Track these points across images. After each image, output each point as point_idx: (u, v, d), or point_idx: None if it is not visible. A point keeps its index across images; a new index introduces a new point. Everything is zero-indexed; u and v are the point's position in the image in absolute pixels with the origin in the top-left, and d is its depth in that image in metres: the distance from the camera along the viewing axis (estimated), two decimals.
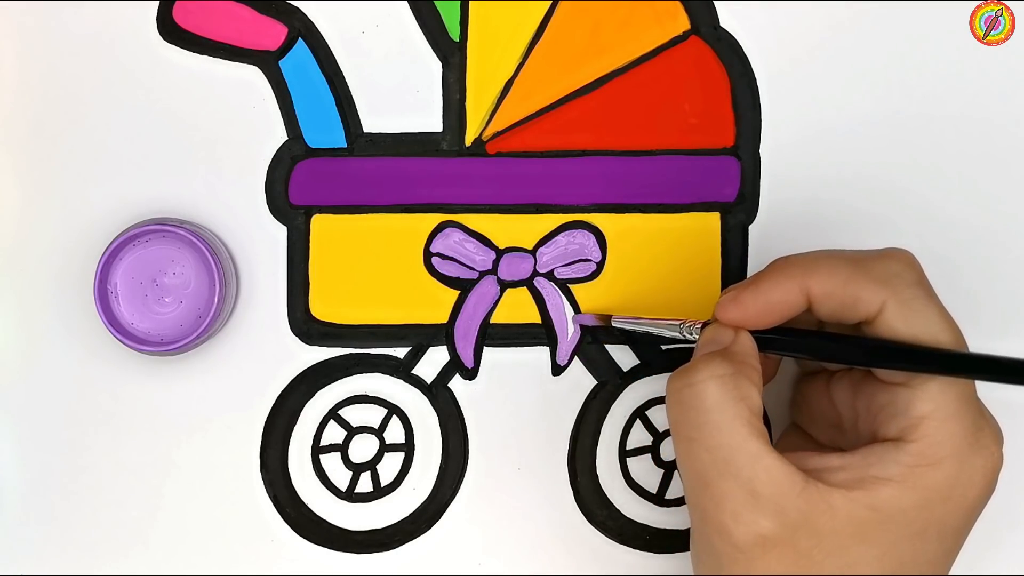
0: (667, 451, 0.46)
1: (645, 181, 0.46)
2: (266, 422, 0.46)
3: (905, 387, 0.36)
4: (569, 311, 0.46)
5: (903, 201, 0.46)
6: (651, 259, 0.46)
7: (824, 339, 0.38)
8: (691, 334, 0.39)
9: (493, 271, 0.46)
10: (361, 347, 0.46)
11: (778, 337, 0.37)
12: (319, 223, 0.46)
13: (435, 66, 0.46)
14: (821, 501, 0.35)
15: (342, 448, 0.46)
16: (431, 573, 0.46)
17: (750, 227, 0.46)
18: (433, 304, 0.46)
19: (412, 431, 0.46)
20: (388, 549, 0.46)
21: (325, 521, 0.46)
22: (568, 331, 0.46)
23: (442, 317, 0.46)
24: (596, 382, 0.46)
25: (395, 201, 0.46)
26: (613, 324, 0.43)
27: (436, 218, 0.46)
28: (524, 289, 0.46)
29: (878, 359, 0.36)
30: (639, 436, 0.46)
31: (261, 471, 0.46)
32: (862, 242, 0.46)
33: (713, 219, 0.46)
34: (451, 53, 0.46)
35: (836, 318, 0.37)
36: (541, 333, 0.46)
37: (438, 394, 0.46)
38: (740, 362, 0.36)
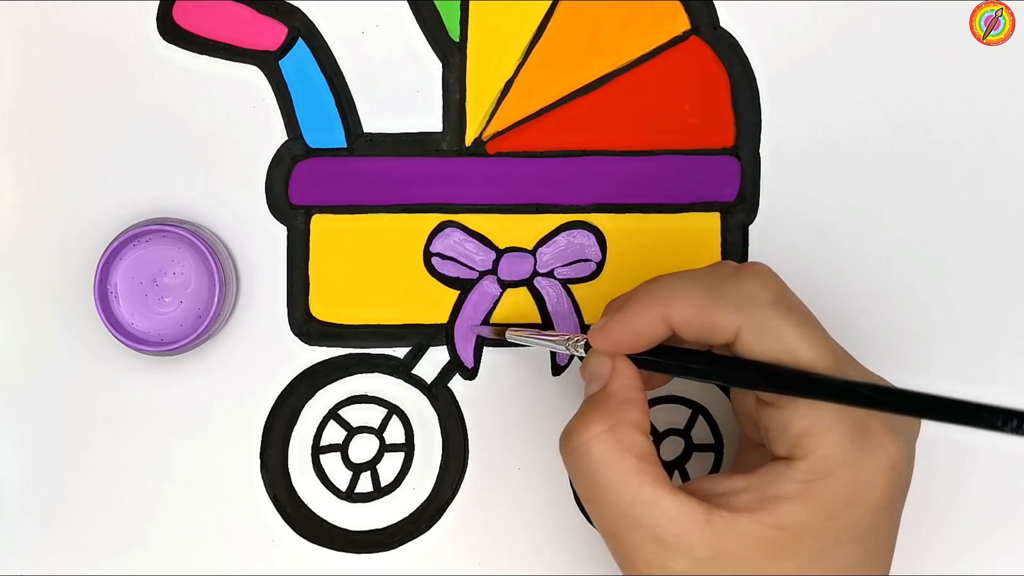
0: (666, 451, 0.46)
1: (645, 181, 0.46)
2: (266, 422, 0.46)
3: (777, 407, 0.36)
4: (572, 310, 0.46)
5: (903, 202, 0.46)
6: (651, 259, 0.46)
7: (689, 360, 0.37)
8: (576, 350, 0.40)
9: (493, 271, 0.46)
10: (361, 347, 0.46)
11: (651, 359, 0.38)
12: (319, 223, 0.46)
13: (435, 66, 0.46)
14: (728, 529, 0.35)
15: (342, 448, 0.46)
16: (431, 573, 0.46)
17: (750, 227, 0.46)
18: (433, 304, 0.46)
19: (412, 431, 0.46)
20: (388, 549, 0.46)
21: (325, 521, 0.46)
22: (568, 331, 0.46)
23: (442, 317, 0.46)
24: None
25: (395, 201, 0.46)
26: (508, 338, 0.44)
27: (436, 218, 0.46)
28: (524, 289, 0.46)
29: (734, 379, 0.37)
30: None
31: (261, 471, 0.46)
32: (862, 242, 0.46)
33: (713, 219, 0.46)
34: (451, 53, 0.46)
35: (701, 343, 0.37)
36: None
37: (438, 394, 0.46)
38: (617, 407, 0.37)
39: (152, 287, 0.45)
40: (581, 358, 0.40)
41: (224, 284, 0.44)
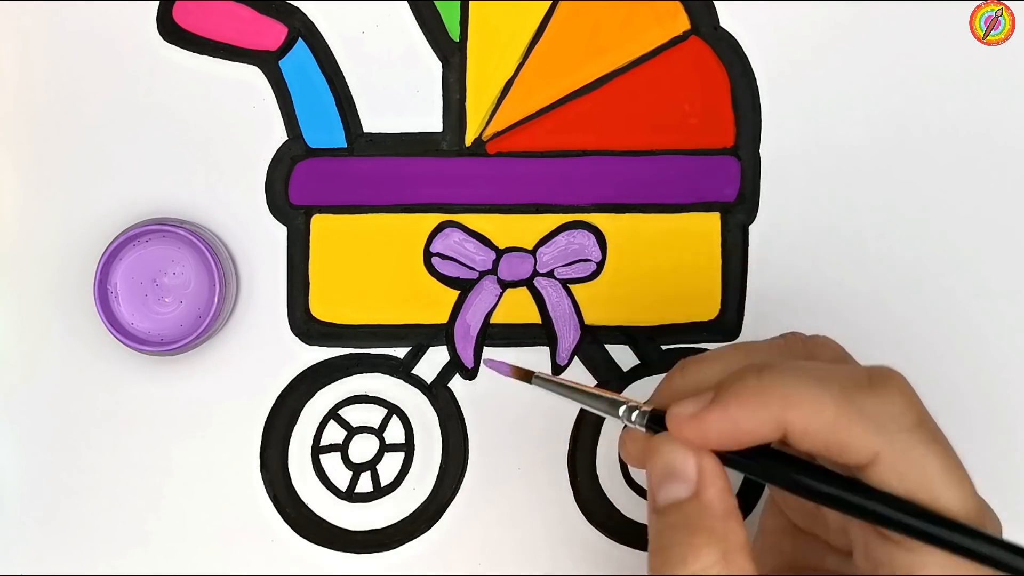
0: None
1: (645, 181, 0.46)
2: (266, 422, 0.46)
3: (904, 548, 0.30)
4: (572, 310, 0.46)
5: (903, 201, 0.46)
6: (651, 259, 0.46)
7: (801, 472, 0.31)
8: (633, 420, 0.33)
9: (493, 271, 0.46)
10: (361, 347, 0.46)
11: (746, 461, 0.31)
12: (319, 223, 0.46)
13: (435, 66, 0.46)
14: None
15: (342, 448, 0.46)
16: (431, 573, 0.46)
17: (750, 227, 0.46)
18: (433, 304, 0.46)
19: (412, 431, 0.46)
20: (388, 549, 0.46)
21: (325, 521, 0.46)
22: (568, 331, 0.46)
23: (442, 317, 0.46)
24: (596, 382, 0.46)
25: (395, 201, 0.46)
26: (534, 382, 0.37)
27: (436, 218, 0.46)
28: (524, 289, 0.46)
29: (861, 511, 0.31)
30: None
31: (261, 471, 0.46)
32: (862, 242, 0.46)
33: (713, 219, 0.46)
34: (451, 53, 0.46)
35: (819, 456, 0.32)
36: (541, 333, 0.46)
37: (438, 394, 0.46)
38: (724, 527, 0.31)
39: (152, 287, 0.45)
40: (629, 424, 0.34)
41: (224, 284, 0.44)
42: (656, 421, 0.33)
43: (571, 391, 0.36)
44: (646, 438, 0.33)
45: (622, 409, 0.34)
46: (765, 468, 0.31)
